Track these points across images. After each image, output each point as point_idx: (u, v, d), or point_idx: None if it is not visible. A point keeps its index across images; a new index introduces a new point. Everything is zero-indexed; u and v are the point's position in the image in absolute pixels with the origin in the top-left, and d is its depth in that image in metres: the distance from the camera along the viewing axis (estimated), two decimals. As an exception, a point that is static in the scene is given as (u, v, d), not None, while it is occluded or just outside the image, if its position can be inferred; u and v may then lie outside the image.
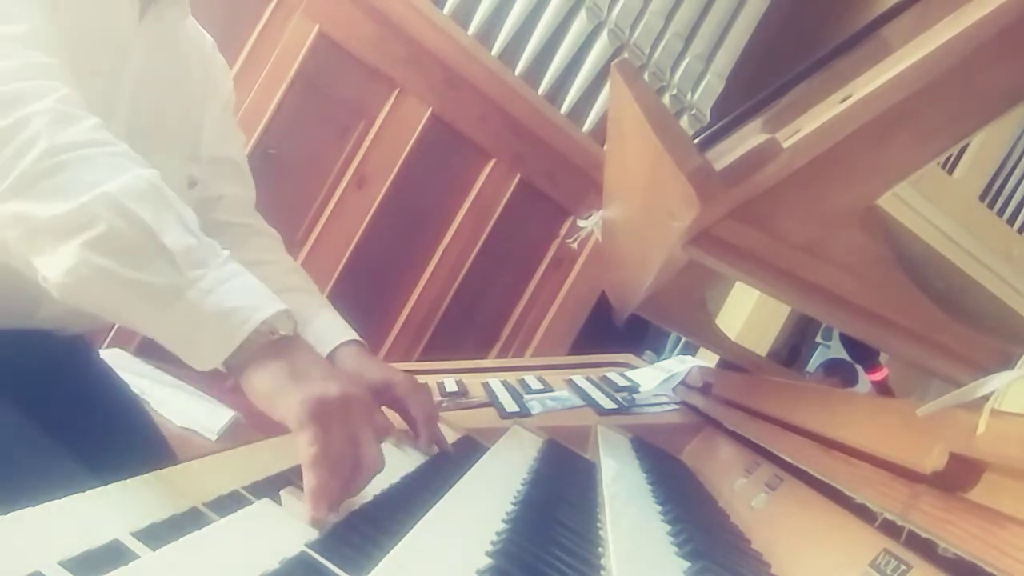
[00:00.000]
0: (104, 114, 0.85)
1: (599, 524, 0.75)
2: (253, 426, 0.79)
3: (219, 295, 0.62)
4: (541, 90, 2.45)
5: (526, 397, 1.59)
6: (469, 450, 1.03)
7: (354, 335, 1.02)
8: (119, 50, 0.87)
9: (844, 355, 2.38)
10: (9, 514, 0.45)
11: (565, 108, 2.49)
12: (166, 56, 0.94)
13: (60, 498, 0.49)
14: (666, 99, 2.59)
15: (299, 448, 0.59)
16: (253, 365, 0.62)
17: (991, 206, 2.94)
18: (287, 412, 0.61)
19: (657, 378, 1.79)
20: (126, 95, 0.88)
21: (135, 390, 1.14)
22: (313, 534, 0.54)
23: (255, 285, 0.65)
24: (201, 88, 1.02)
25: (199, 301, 0.61)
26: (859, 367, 1.69)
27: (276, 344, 0.63)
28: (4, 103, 0.63)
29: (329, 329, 1.02)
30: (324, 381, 0.63)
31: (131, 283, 0.61)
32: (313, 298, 1.07)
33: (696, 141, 0.98)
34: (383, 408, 0.98)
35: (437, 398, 1.63)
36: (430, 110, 2.31)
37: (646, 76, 2.53)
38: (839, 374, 3.47)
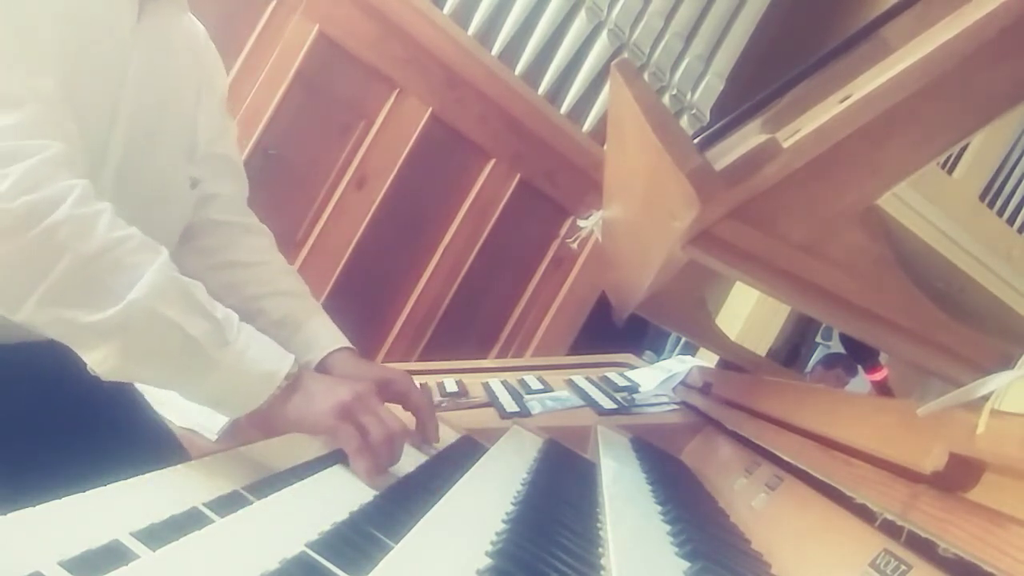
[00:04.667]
0: (108, 121, 0.86)
1: (599, 524, 0.74)
2: (253, 426, 0.80)
3: (244, 365, 0.74)
4: (541, 90, 2.45)
5: (526, 397, 1.59)
6: (469, 450, 1.03)
7: (345, 342, 1.04)
8: (120, 54, 0.86)
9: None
10: (9, 514, 0.45)
11: (565, 108, 2.49)
12: (164, 54, 0.93)
13: (62, 498, 0.50)
14: (666, 99, 2.59)
15: (343, 445, 0.76)
16: (276, 404, 0.75)
17: (991, 206, 2.94)
18: (321, 428, 0.77)
19: (657, 378, 1.79)
20: (128, 98, 0.87)
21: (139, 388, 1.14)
22: (313, 534, 0.54)
23: (268, 346, 0.77)
24: (196, 82, 1.01)
25: (228, 374, 0.73)
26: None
27: (290, 384, 0.76)
28: (25, 216, 0.66)
29: (321, 335, 1.03)
30: (332, 390, 0.78)
31: (167, 369, 0.73)
32: (304, 302, 1.09)
33: (696, 141, 0.98)
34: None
35: (437, 398, 1.63)
36: (430, 110, 2.31)
37: (646, 76, 2.53)
38: (839, 366, 3.48)
